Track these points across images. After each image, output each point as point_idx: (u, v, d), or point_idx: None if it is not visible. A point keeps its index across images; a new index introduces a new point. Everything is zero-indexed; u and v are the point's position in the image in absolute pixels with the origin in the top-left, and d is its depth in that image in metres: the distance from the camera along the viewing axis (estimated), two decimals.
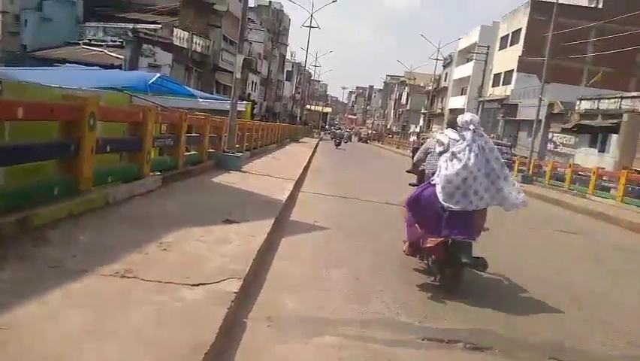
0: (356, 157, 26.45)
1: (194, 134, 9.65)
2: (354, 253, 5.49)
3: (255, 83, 45.68)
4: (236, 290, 3.37)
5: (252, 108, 31.73)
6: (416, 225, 3.49)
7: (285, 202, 7.42)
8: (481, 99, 37.60)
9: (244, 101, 17.07)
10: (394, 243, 6.15)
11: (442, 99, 54.60)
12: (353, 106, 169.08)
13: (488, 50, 37.37)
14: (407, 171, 4.64)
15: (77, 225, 4.35)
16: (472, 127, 3.35)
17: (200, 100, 12.19)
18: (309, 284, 4.23)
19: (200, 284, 3.39)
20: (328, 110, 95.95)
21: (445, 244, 3.41)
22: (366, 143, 64.13)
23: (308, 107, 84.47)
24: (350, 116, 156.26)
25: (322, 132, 64.98)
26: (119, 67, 18.71)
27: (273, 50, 51.53)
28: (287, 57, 65.07)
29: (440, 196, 3.27)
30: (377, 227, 7.18)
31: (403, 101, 77.17)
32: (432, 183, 3.35)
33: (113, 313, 2.83)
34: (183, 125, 8.04)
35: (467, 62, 46.66)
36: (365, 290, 4.22)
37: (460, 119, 3.54)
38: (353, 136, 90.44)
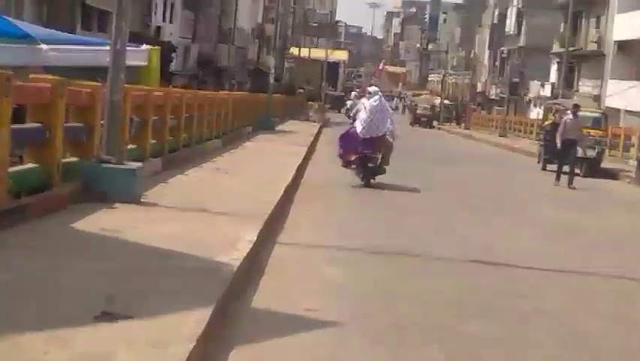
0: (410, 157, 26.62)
1: (29, 125, 9.71)
2: None
3: (172, 5, 46.09)
4: None
5: (166, 60, 31.99)
6: (342, 150, 17.66)
7: (241, 269, 7.48)
8: None
9: (144, 46, 17.18)
10: (482, 355, 6.26)
11: (599, 20, 54.83)
12: (397, 45, 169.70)
13: None
14: (349, 117, 24.23)
15: None
16: (374, 93, 17.79)
17: (46, 48, 12.30)
18: None
19: None
20: (341, 56, 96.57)
21: (361, 158, 17.03)
22: (430, 126, 64.66)
23: (294, 51, 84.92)
24: (392, 68, 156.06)
25: (327, 106, 65.40)
26: None
27: None
28: None
29: (358, 130, 17.22)
30: (447, 319, 7.24)
31: (511, 28, 77.67)
32: (354, 126, 17.75)
33: None
34: (2, 104, 8.13)
35: None
36: None
37: (370, 90, 18.70)
38: (405, 108, 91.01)
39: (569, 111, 24.14)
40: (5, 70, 8.51)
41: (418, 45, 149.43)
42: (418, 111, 68.42)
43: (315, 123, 46.53)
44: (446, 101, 78.29)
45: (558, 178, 23.06)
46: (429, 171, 23.60)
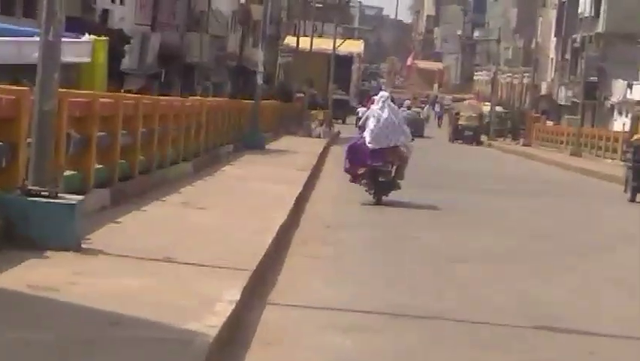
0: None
1: None
2: None
3: None
4: None
5: (116, 55, 31.92)
6: (349, 163, 22.63)
7: (219, 340, 7.49)
8: None
9: (87, 36, 17.27)
10: None
11: None
12: (431, 32, 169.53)
13: None
14: (358, 127, 27.19)
15: None
16: (382, 99, 22.77)
17: None
18: None
19: None
20: (355, 47, 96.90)
21: (370, 171, 21.52)
22: (477, 142, 64.69)
23: (291, 41, 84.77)
24: (425, 63, 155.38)
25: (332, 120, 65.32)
26: None
27: None
28: None
29: (367, 140, 21.65)
30: None
31: (586, 9, 77.85)
32: (363, 136, 22.24)
33: None
34: None
35: None
36: None
37: (377, 97, 23.93)
38: (440, 119, 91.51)
39: None
40: None
41: (460, 32, 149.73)
42: (460, 122, 68.47)
43: (320, 139, 46.64)
44: (498, 108, 78.50)
45: None
46: (475, 205, 23.71)
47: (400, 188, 20.93)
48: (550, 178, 37.82)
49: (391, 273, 12.92)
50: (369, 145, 20.16)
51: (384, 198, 21.40)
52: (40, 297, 8.26)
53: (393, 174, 20.96)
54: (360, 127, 22.64)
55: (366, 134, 20.43)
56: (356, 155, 20.59)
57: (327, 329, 9.34)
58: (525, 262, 14.99)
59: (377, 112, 20.67)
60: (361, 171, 20.24)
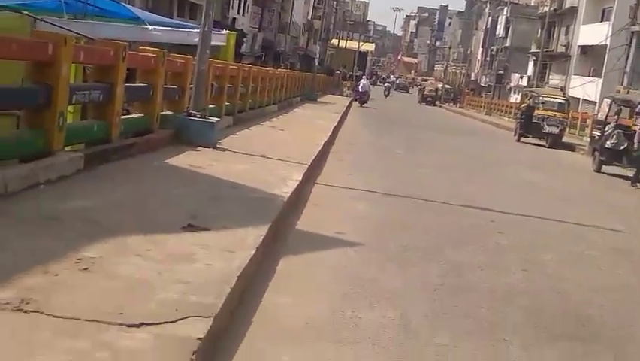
0: (412, 123, 26.66)
1: (138, 85, 9.82)
2: (402, 286, 5.68)
3: (245, 2, 45.89)
4: (201, 335, 3.52)
5: (239, 43, 31.95)
6: (355, 95, 43.99)
7: (289, 200, 7.59)
8: (637, 28, 37.01)
9: (224, 31, 17.20)
10: (467, 271, 6.32)
11: (568, 29, 53.97)
12: (412, 42, 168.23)
13: None
14: (356, 85, 45.97)
15: None
16: (364, 78, 46.42)
17: (151, 28, 12.37)
18: (325, 332, 4.42)
19: (143, 325, 3.54)
20: (369, 47, 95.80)
21: (360, 97, 40.62)
22: (433, 104, 64.02)
23: (334, 42, 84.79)
24: (408, 59, 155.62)
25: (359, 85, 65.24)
26: None
27: None
28: None
29: (359, 88, 41.48)
30: (443, 245, 7.28)
31: (500, 32, 76.54)
32: (358, 88, 42.90)
33: None
34: (120, 67, 8.22)
35: None
36: (418, 345, 4.42)
37: (364, 78, 47.96)
38: (415, 90, 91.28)
39: None
40: (122, 43, 8.61)
41: (428, 42, 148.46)
42: (424, 92, 67.57)
43: (348, 97, 46.45)
44: (447, 86, 77.55)
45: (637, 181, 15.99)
46: (431, 138, 23.63)
47: (367, 102, 38.70)
48: (474, 127, 37.32)
49: (383, 171, 12.86)
50: (360, 90, 39.06)
51: (364, 105, 37.55)
52: (194, 171, 8.39)
53: (367, 97, 38.68)
54: (356, 85, 41.67)
55: (359, 87, 39.38)
56: (357, 93, 39.76)
57: (348, 198, 9.44)
58: (458, 171, 14.81)
59: (362, 82, 39.73)
60: (357, 97, 38.99)
